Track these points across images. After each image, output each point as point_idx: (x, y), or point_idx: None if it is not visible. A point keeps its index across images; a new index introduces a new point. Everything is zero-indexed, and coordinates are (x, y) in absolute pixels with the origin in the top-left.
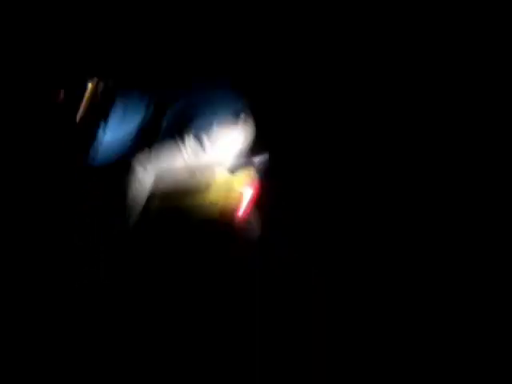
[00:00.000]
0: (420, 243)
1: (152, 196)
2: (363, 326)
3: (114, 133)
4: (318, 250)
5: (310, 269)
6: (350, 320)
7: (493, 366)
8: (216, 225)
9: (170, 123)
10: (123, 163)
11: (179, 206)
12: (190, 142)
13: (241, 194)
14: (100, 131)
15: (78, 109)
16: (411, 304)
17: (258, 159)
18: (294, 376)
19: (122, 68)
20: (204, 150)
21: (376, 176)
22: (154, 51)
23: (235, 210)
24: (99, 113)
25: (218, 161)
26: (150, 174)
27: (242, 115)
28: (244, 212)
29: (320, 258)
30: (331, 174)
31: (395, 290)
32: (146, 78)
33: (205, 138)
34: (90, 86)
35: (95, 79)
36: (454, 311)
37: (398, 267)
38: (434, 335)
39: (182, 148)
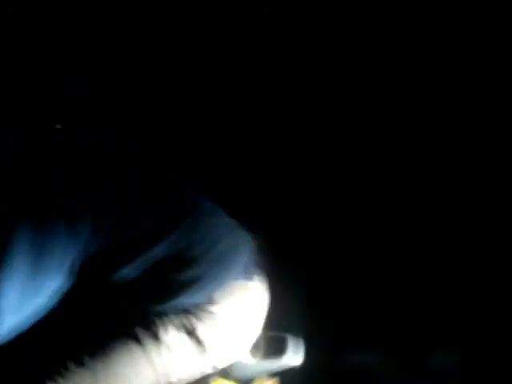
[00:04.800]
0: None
1: None
2: None
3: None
4: None
5: None
6: None
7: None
8: None
9: (125, 293)
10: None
11: None
12: (170, 330)
13: None
14: None
15: None
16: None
17: (285, 361)
18: None
19: None
20: (202, 345)
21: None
22: None
23: None
24: None
25: (221, 365)
26: None
27: (258, 274)
28: None
29: None
30: None
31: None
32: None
33: (201, 323)
34: None
35: None
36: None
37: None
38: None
39: (150, 345)
